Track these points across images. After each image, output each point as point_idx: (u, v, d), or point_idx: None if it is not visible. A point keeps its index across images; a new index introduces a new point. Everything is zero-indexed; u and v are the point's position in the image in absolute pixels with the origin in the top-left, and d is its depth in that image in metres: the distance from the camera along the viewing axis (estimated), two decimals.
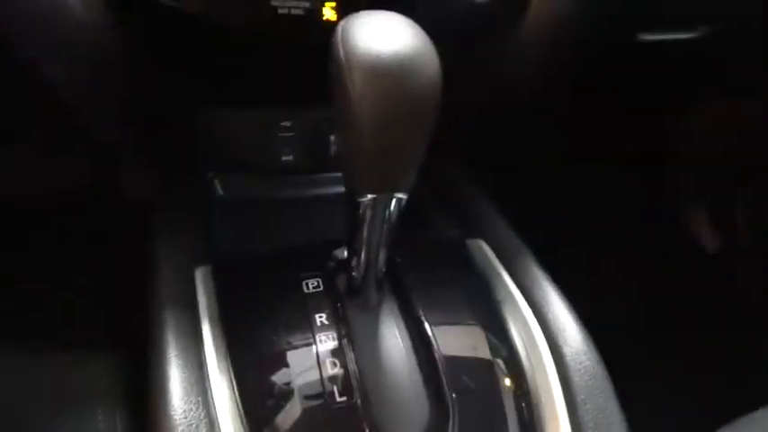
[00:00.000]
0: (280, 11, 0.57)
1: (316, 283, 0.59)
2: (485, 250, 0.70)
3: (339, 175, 0.81)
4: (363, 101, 0.42)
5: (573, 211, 1.36)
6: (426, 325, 0.57)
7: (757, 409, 0.61)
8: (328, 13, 0.58)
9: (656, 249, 1.39)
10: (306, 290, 0.58)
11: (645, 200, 1.48)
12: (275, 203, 0.82)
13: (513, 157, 1.28)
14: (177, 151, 0.79)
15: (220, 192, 0.82)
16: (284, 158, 0.80)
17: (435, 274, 0.63)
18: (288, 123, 0.79)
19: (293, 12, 0.57)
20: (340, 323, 0.56)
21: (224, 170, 0.83)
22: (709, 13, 0.95)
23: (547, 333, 0.60)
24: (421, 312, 0.57)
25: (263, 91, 0.75)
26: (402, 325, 0.58)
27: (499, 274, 0.66)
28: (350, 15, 0.44)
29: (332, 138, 0.77)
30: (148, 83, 0.68)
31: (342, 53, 0.42)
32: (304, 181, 0.83)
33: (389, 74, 0.41)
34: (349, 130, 0.44)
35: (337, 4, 0.57)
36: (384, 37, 0.42)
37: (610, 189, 1.42)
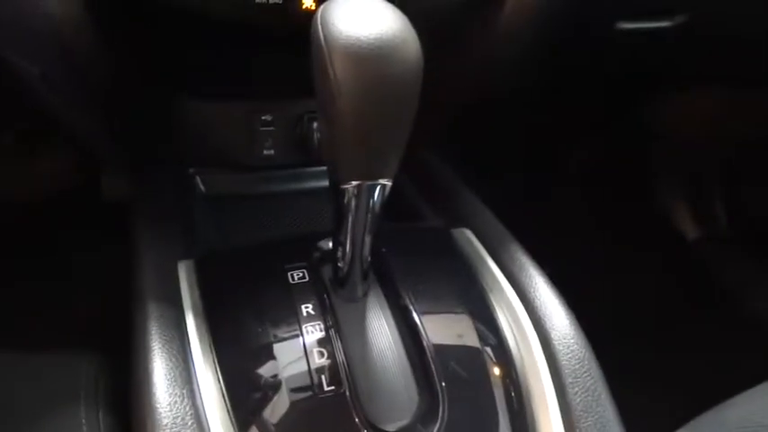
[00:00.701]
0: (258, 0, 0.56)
1: (301, 274, 0.58)
2: (470, 238, 0.70)
3: (321, 169, 0.82)
4: (344, 85, 0.42)
5: (556, 202, 1.36)
6: (414, 314, 0.56)
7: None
8: (308, 1, 0.57)
9: (639, 238, 1.41)
10: (291, 280, 0.58)
11: (626, 188, 1.49)
12: (257, 199, 0.82)
13: (496, 148, 1.29)
14: (157, 148, 0.78)
15: (202, 188, 0.82)
16: (266, 153, 0.80)
17: (421, 263, 0.63)
18: (269, 117, 0.78)
19: (271, 0, 0.57)
20: (326, 313, 0.55)
21: (205, 166, 0.82)
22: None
23: (534, 318, 0.60)
24: (408, 301, 0.57)
25: (243, 85, 0.75)
26: (389, 314, 0.57)
27: (485, 262, 0.66)
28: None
29: (315, 125, 0.76)
30: (126, 80, 0.67)
31: (321, 37, 0.42)
32: (286, 175, 0.83)
33: (370, 57, 0.41)
34: (331, 115, 0.44)
35: None
36: (364, 20, 0.42)
37: (591, 179, 1.43)
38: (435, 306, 0.58)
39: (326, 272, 0.59)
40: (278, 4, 0.57)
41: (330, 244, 0.57)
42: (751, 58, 1.15)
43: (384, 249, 0.61)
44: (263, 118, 0.78)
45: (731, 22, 1.03)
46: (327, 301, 0.56)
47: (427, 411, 0.52)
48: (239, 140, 0.79)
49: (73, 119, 0.70)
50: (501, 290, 0.63)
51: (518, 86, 0.94)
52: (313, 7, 0.57)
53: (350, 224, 0.51)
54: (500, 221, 0.72)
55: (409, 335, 0.56)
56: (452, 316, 0.59)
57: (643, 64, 1.15)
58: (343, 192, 0.48)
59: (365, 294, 0.58)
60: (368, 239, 0.52)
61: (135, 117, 0.74)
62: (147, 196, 0.75)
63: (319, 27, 0.42)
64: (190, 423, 0.48)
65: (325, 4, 0.44)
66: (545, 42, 0.83)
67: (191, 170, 0.82)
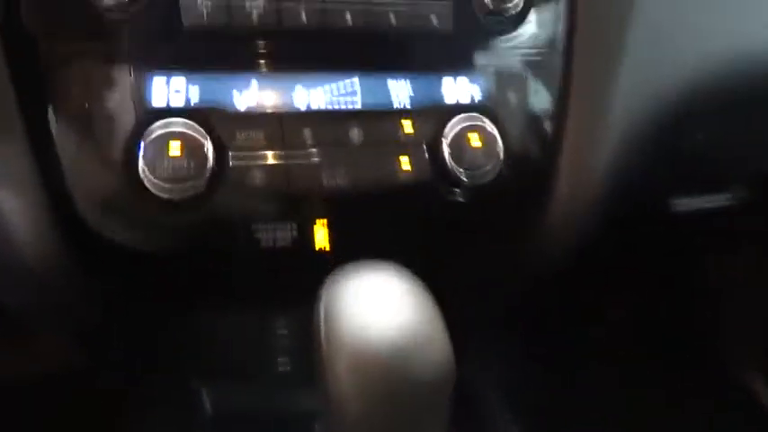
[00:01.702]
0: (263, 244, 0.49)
1: None
2: None
3: None
4: (349, 399, 0.33)
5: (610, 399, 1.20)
6: None
7: None
8: (321, 241, 0.50)
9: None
10: None
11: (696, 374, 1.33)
12: (269, 419, 0.71)
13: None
14: (157, 361, 0.70)
15: (208, 405, 0.72)
16: (279, 365, 0.71)
17: None
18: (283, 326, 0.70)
19: (279, 244, 0.49)
20: None
21: (211, 379, 0.73)
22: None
23: None
24: None
25: (250, 297, 0.67)
26: None
27: None
28: (335, 276, 0.37)
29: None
30: (115, 306, 0.60)
31: (322, 332, 0.34)
32: (302, 392, 0.73)
33: (383, 368, 0.32)
34: (335, 421, 0.35)
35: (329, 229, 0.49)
36: (376, 314, 0.33)
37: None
38: None
39: None
40: (287, 247, 0.49)
41: None
42: None
43: None
44: (276, 326, 0.70)
45: None
46: None
47: None
48: (249, 351, 0.71)
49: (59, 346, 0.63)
50: None
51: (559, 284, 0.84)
52: (327, 248, 0.50)
53: None
54: None
55: None
56: None
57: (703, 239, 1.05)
58: None
59: None
60: None
61: (128, 335, 0.66)
62: (144, 412, 0.66)
63: (321, 317, 0.34)
64: None
65: (328, 284, 0.36)
66: (592, 238, 0.74)
67: (196, 383, 0.72)
